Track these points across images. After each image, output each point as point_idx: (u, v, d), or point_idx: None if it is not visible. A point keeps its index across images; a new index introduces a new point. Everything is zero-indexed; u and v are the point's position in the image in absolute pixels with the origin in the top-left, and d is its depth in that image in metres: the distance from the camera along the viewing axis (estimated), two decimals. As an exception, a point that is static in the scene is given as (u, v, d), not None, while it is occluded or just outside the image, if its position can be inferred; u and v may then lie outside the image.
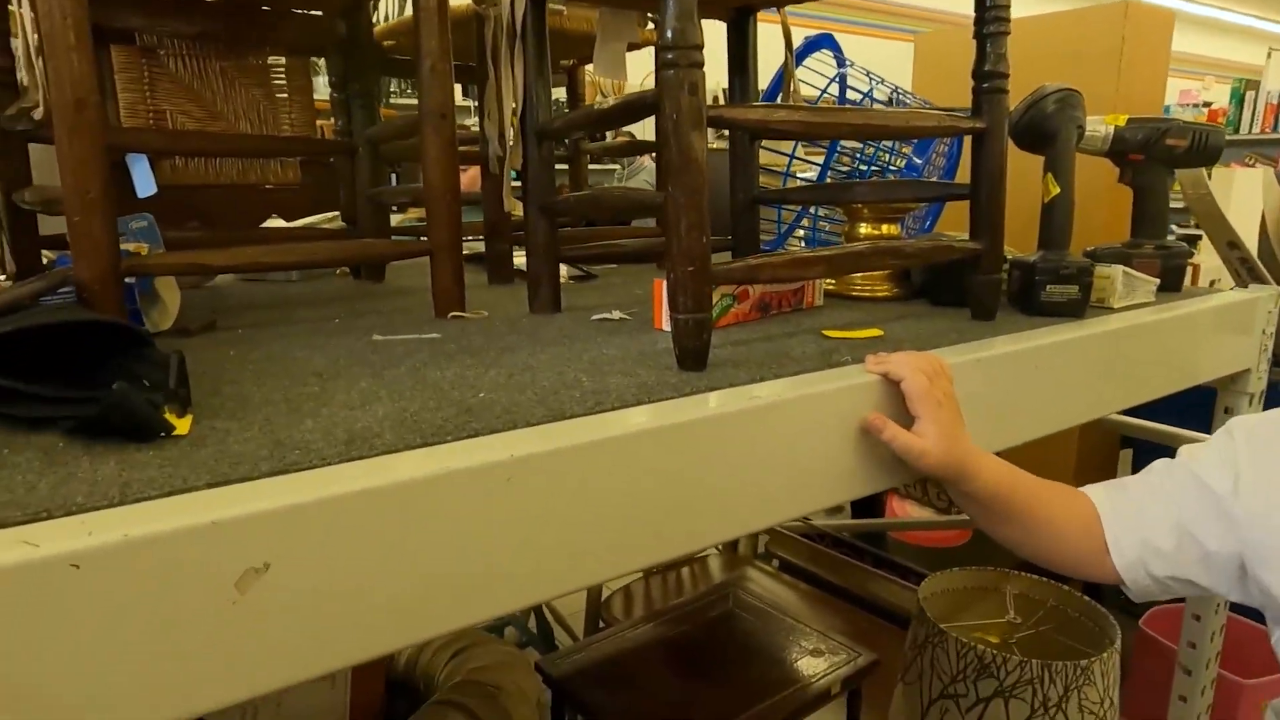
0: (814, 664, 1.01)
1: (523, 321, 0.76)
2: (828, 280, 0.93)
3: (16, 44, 0.69)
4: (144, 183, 0.78)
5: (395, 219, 1.37)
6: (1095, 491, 0.61)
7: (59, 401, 0.45)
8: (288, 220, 1.11)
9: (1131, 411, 1.63)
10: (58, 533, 0.32)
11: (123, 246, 0.70)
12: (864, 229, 0.92)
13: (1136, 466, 2.18)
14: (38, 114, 0.62)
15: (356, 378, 0.56)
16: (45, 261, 0.82)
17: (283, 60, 0.95)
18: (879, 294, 0.89)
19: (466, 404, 0.49)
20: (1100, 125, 0.93)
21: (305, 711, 0.91)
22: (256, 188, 0.99)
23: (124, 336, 0.51)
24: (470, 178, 1.22)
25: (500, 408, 0.49)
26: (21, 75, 0.71)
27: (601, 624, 1.52)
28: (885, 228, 0.92)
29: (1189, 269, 1.75)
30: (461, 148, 1.06)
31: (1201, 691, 1.05)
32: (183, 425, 0.44)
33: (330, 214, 1.12)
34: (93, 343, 0.51)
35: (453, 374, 0.57)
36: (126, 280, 0.65)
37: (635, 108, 0.62)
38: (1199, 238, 1.98)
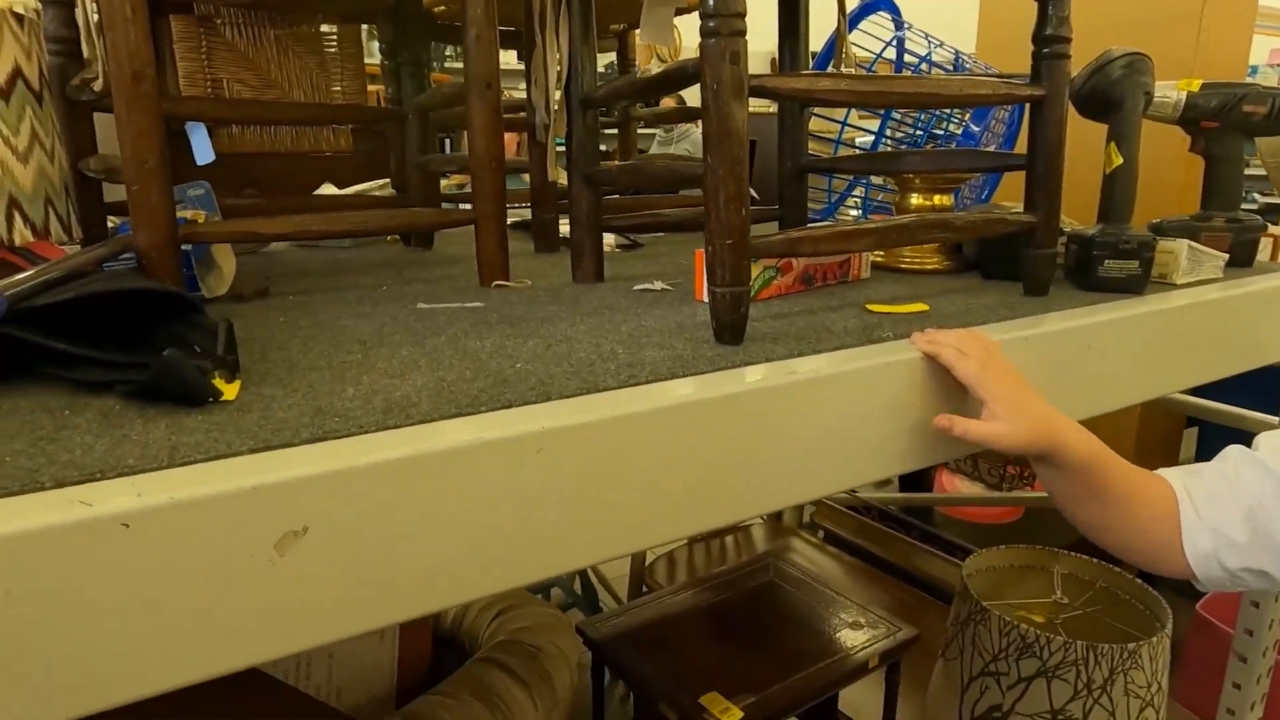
0: (853, 636, 1.01)
1: (565, 291, 0.77)
2: (875, 252, 0.91)
3: (79, 16, 0.72)
4: (202, 151, 0.80)
5: (445, 184, 1.38)
6: (1173, 477, 0.59)
7: (117, 366, 0.47)
8: (340, 187, 1.13)
9: (1198, 391, 1.57)
10: (110, 493, 0.34)
11: (180, 214, 0.73)
12: (915, 199, 0.89)
13: (1201, 448, 2.12)
14: (98, 85, 0.64)
15: (398, 346, 0.57)
16: (110, 227, 0.85)
17: (334, 28, 0.97)
18: (928, 266, 0.87)
19: (503, 374, 0.50)
20: (1171, 91, 0.88)
21: (355, 665, 0.95)
22: (310, 155, 1.01)
23: (178, 304, 0.53)
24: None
25: (535, 379, 0.49)
26: (85, 47, 0.73)
27: (644, 589, 1.55)
28: (938, 198, 0.89)
29: (1269, 241, 1.67)
30: (510, 115, 1.06)
31: (1257, 680, 1.02)
32: (230, 391, 0.46)
33: (381, 181, 1.14)
34: (150, 309, 0.53)
35: (492, 344, 0.58)
36: (183, 247, 0.67)
37: (677, 76, 0.61)
38: (1281, 208, 1.88)
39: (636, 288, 0.78)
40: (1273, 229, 1.70)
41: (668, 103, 3.28)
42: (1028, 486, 1.68)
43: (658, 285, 0.78)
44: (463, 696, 0.82)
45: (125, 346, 0.49)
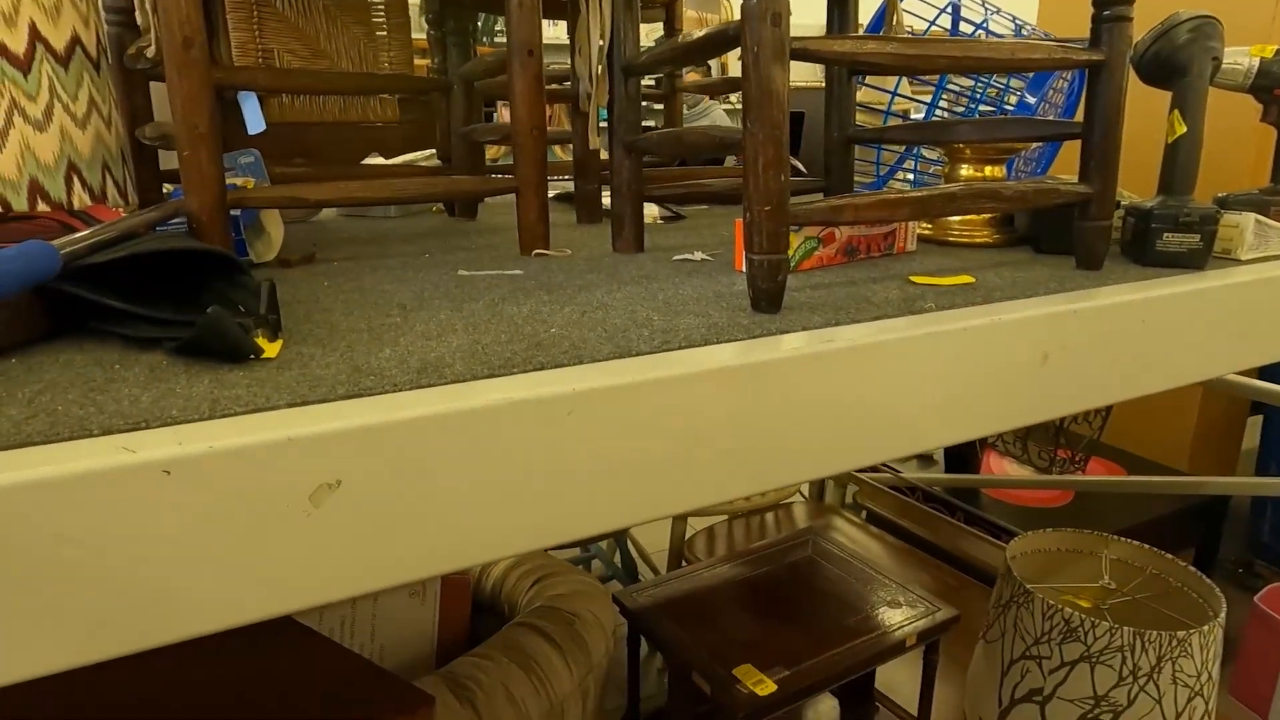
0: (891, 615, 1.01)
1: (604, 260, 0.77)
2: (922, 225, 0.89)
3: (135, -15, 0.73)
4: (254, 120, 0.82)
5: (490, 154, 1.39)
6: None
7: (166, 323, 0.49)
8: (387, 157, 1.15)
9: (1264, 376, 1.51)
10: (153, 441, 0.35)
11: (231, 180, 0.74)
12: (965, 171, 0.87)
13: (1267, 435, 2.04)
14: (150, 52, 0.66)
15: (437, 310, 0.58)
16: (165, 193, 0.87)
17: (382, -2, 0.97)
18: (978, 240, 0.85)
19: (537, 338, 0.51)
20: (1243, 57, 0.84)
21: (398, 626, 0.98)
22: (358, 125, 1.02)
23: (222, 264, 0.54)
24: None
25: (569, 343, 0.49)
26: (139, 16, 0.75)
27: (684, 562, 1.55)
28: (989, 170, 0.87)
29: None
30: (557, 85, 1.06)
31: (1315, 674, 0.99)
32: (272, 349, 0.47)
33: (428, 151, 1.15)
34: (198, 269, 0.54)
35: (528, 309, 0.58)
36: (233, 212, 0.69)
37: (719, 40, 0.60)
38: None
39: (676, 258, 0.78)
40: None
41: (693, 78, 3.24)
42: (1079, 470, 1.63)
43: (697, 255, 0.78)
44: (499, 659, 0.83)
45: (175, 305, 0.51)
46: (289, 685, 0.71)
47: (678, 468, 0.46)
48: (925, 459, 1.82)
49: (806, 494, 1.86)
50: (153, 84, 0.86)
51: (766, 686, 0.86)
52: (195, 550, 0.35)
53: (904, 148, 1.10)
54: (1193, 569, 1.03)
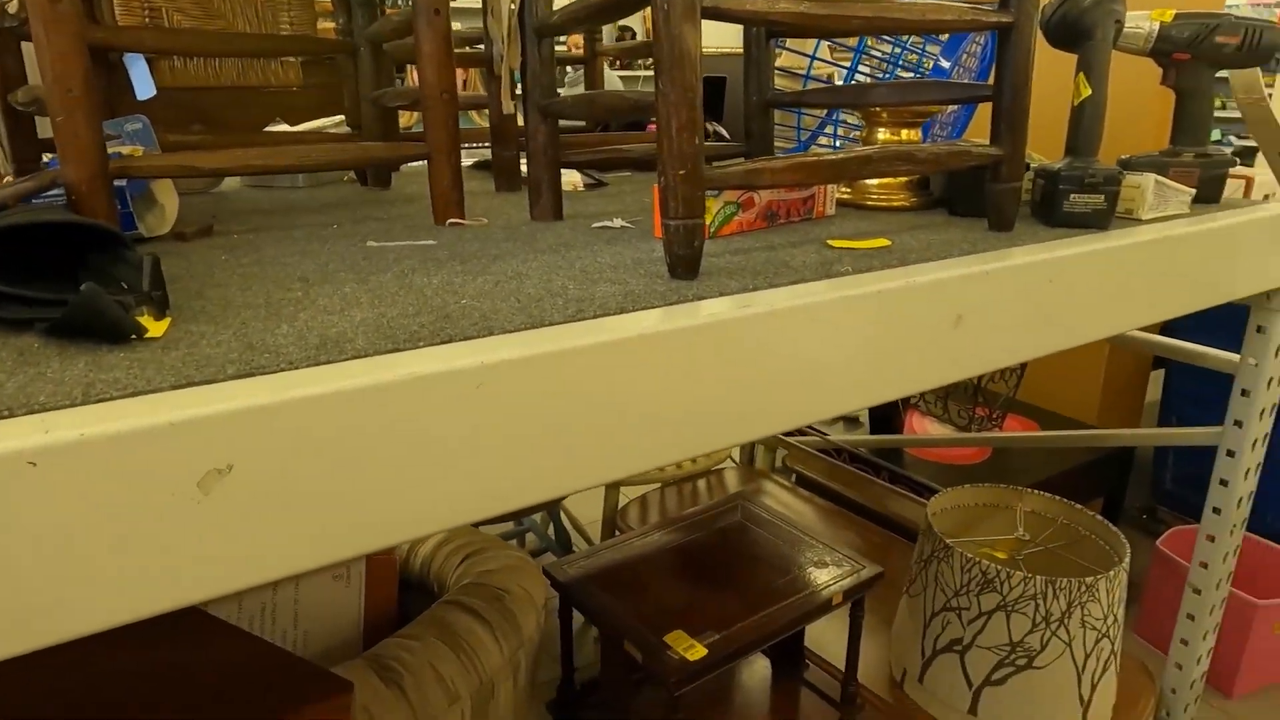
0: (819, 574, 1.02)
1: (521, 229, 0.75)
2: (842, 189, 0.89)
3: (-5, -66, 0.67)
4: (143, 84, 0.77)
5: (405, 121, 1.34)
6: None
7: (38, 303, 0.45)
8: (292, 124, 1.09)
9: (1165, 331, 1.57)
10: (16, 430, 0.32)
11: (116, 149, 0.69)
12: (882, 135, 0.87)
13: (1168, 388, 2.14)
14: (13, 7, 0.60)
15: (342, 283, 0.55)
16: (44, 163, 0.81)
17: (279, -46, 0.92)
18: (895, 204, 0.86)
19: (446, 311, 0.49)
20: (1144, 21, 0.86)
21: (322, 610, 0.95)
22: (258, 90, 0.97)
23: (102, 239, 0.50)
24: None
25: (479, 314, 0.48)
26: (3, -32, 0.69)
27: (617, 532, 1.56)
28: (905, 134, 0.87)
29: (1241, 183, 1.66)
30: (467, 48, 1.02)
31: (1210, 610, 1.05)
32: (157, 328, 0.44)
33: (337, 118, 1.10)
34: (79, 245, 0.51)
35: (439, 281, 0.56)
36: (117, 183, 0.64)
37: (630, -1, 0.59)
38: (1256, 150, 1.87)
39: (595, 225, 0.76)
40: (1245, 170, 1.69)
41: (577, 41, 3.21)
42: (996, 427, 1.69)
43: (617, 223, 0.77)
44: (427, 638, 0.82)
45: (50, 283, 0.47)
46: (195, 680, 0.68)
47: (598, 437, 0.45)
48: (851, 421, 1.86)
49: (737, 459, 1.88)
50: (25, 45, 0.80)
51: (697, 651, 0.87)
52: (71, 545, 0.33)
53: (825, 113, 1.10)
54: (1100, 518, 1.07)
